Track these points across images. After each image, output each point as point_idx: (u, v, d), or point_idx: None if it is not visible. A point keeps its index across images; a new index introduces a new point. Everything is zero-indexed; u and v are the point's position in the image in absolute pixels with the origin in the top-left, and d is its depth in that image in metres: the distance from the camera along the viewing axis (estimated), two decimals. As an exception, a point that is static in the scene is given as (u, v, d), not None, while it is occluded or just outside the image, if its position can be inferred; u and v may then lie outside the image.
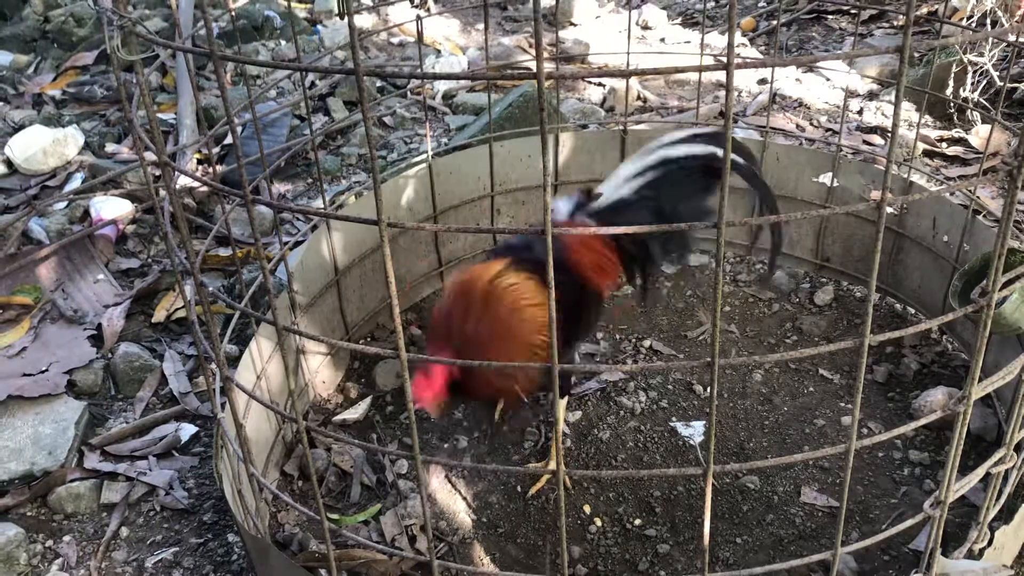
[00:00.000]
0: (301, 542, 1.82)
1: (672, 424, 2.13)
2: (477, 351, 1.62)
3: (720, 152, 1.86)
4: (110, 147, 3.35)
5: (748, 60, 0.89)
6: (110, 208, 2.87)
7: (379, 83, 3.91)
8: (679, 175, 1.90)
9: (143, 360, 2.31)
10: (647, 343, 2.38)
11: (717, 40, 4.35)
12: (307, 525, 1.90)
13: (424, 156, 2.46)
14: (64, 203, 2.98)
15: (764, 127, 2.57)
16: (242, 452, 1.46)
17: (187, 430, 2.14)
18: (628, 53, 2.48)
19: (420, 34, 2.30)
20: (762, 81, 3.87)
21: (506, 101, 3.12)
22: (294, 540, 1.84)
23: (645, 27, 4.67)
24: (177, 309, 2.50)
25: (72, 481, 1.98)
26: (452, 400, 1.69)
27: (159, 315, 2.50)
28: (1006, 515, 1.58)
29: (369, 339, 2.43)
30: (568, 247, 1.82)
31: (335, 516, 1.92)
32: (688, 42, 4.51)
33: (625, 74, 0.90)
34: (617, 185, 1.93)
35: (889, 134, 3.36)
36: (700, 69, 0.93)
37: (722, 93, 3.78)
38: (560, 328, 1.58)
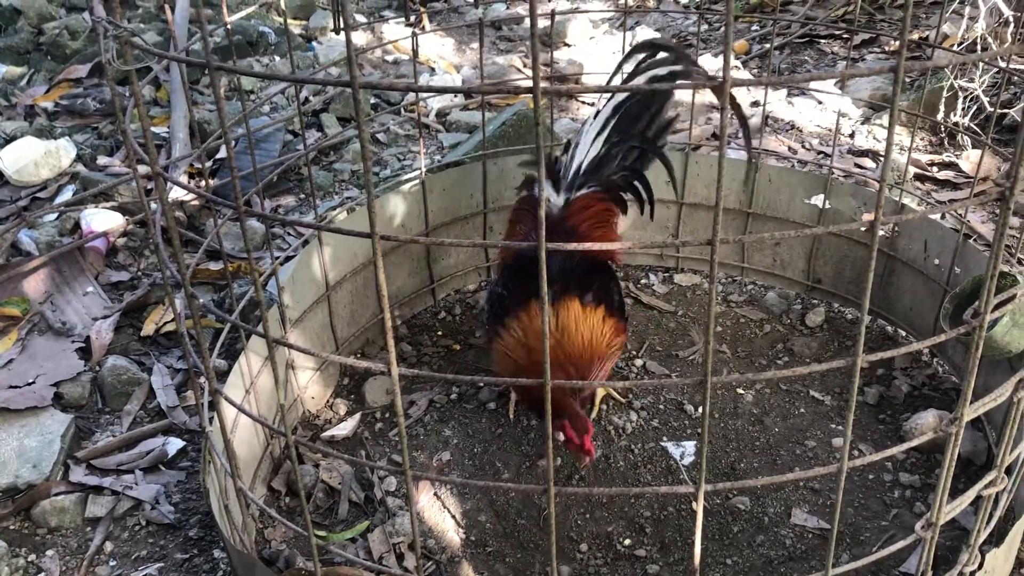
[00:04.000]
0: (288, 559, 1.81)
1: (663, 444, 2.12)
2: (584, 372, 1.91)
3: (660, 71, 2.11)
4: (102, 160, 3.34)
5: (743, 79, 0.89)
6: (101, 221, 2.85)
7: (373, 100, 3.92)
8: (633, 110, 2.16)
9: (131, 373, 2.29)
10: (639, 362, 2.38)
11: (711, 63, 4.37)
12: (294, 542, 1.88)
13: (417, 173, 2.46)
14: (55, 215, 2.96)
15: (756, 149, 2.58)
16: (230, 466, 1.45)
17: (174, 444, 2.12)
18: (622, 73, 2.49)
19: (415, 51, 2.31)
20: (755, 104, 3.89)
21: (500, 119, 3.13)
22: (281, 557, 1.82)
23: (639, 48, 4.69)
24: (166, 322, 2.49)
25: (57, 495, 1.96)
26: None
27: (148, 328, 2.49)
28: (996, 538, 1.57)
29: (359, 355, 2.42)
30: (577, 230, 2.11)
31: (322, 533, 1.91)
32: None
33: (622, 90, 0.90)
34: (586, 148, 2.16)
35: (881, 157, 3.38)
36: (695, 86, 0.93)
37: (715, 115, 3.80)
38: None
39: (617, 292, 2.12)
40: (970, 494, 1.33)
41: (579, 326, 1.93)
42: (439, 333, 2.53)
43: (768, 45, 4.33)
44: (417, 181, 2.45)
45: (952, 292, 2.08)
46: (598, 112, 2.18)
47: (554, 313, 1.93)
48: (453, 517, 1.95)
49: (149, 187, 3.08)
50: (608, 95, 2.19)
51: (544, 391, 1.01)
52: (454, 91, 0.85)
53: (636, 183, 2.27)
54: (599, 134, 2.18)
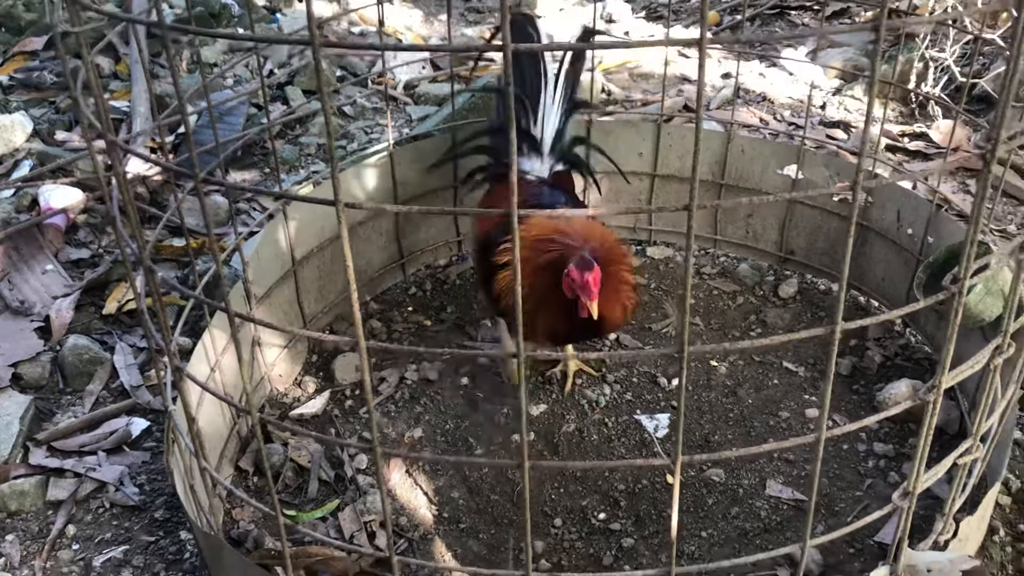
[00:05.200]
0: (256, 539, 1.77)
1: (637, 417, 2.10)
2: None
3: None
4: (60, 135, 3.25)
5: (719, 39, 0.86)
6: (60, 197, 2.77)
7: (339, 72, 3.84)
8: (570, 77, 2.22)
9: (93, 353, 2.23)
10: (612, 335, 2.36)
11: (682, 34, 4.33)
12: (263, 522, 1.84)
13: (385, 146, 2.41)
14: (11, 191, 2.87)
15: (728, 121, 2.55)
16: (194, 446, 1.40)
17: (138, 424, 2.07)
18: (593, 45, 2.45)
19: (381, 21, 2.25)
20: (726, 75, 3.87)
21: (469, 92, 3.08)
22: (249, 537, 1.78)
23: (609, 20, 4.65)
24: (129, 300, 2.42)
25: (16, 478, 1.90)
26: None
27: (110, 306, 2.42)
28: (970, 507, 1.57)
29: (328, 332, 2.38)
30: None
31: (291, 512, 1.87)
32: (652, 36, 4.49)
33: (591, 47, 0.86)
34: (552, 116, 2.20)
35: (853, 128, 3.37)
36: (668, 43, 0.89)
37: (686, 87, 3.77)
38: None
39: None
40: (946, 462, 1.32)
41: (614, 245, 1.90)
42: (410, 309, 2.49)
43: (739, 17, 4.30)
44: (385, 154, 2.40)
45: (926, 262, 2.07)
46: (552, 83, 2.21)
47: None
48: (425, 494, 1.92)
49: (110, 163, 3.00)
50: (556, 65, 2.23)
51: (519, 360, 0.98)
52: (421, 48, 0.81)
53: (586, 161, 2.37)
54: (556, 103, 2.21)
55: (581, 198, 2.39)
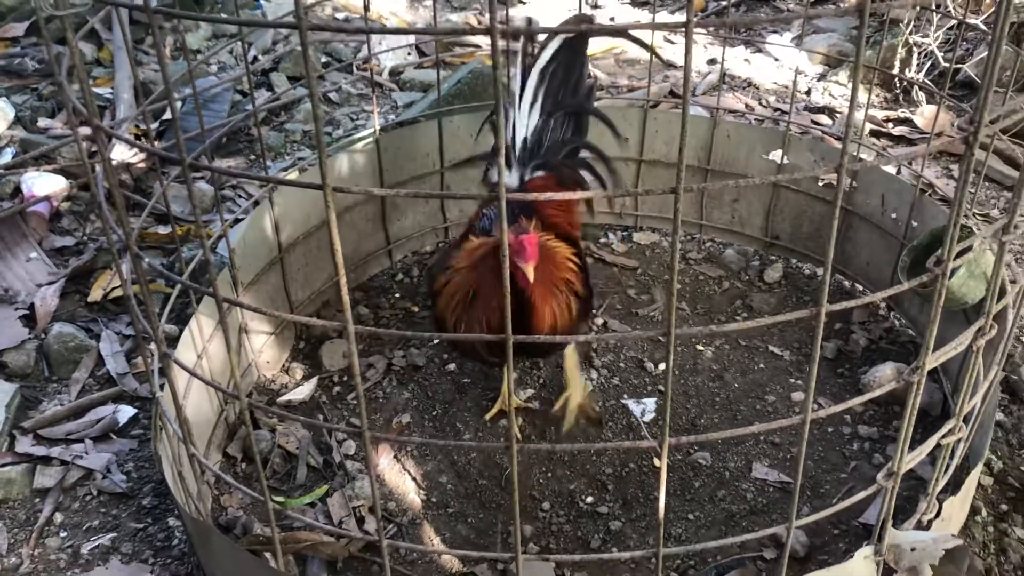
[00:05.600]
0: (245, 525, 1.77)
1: (624, 401, 2.11)
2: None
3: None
4: (43, 122, 3.22)
5: (705, 21, 0.86)
6: (43, 184, 2.75)
7: (324, 58, 3.82)
8: (559, 75, 2.10)
9: (79, 340, 2.22)
10: (599, 320, 2.36)
11: (667, 19, 4.33)
12: (251, 508, 1.84)
13: (371, 132, 2.40)
14: (-6, 179, 2.85)
15: (715, 106, 2.56)
16: (182, 433, 1.40)
17: (125, 412, 2.06)
18: (582, 30, 2.45)
19: (366, 6, 2.24)
20: (712, 61, 3.87)
21: (455, 78, 3.07)
22: (238, 523, 1.78)
23: (595, 6, 4.64)
24: (114, 288, 2.41)
25: (3, 466, 1.90)
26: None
27: (95, 294, 2.41)
28: (953, 487, 1.59)
29: (315, 318, 2.37)
30: (539, 207, 1.97)
31: (280, 498, 1.87)
32: (638, 21, 4.49)
33: (580, 31, 0.86)
34: (524, 120, 2.07)
35: (837, 114, 3.38)
36: (657, 27, 0.90)
37: (671, 72, 3.77)
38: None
39: (585, 269, 1.97)
40: (930, 443, 1.33)
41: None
42: (396, 295, 2.49)
43: (724, 3, 4.30)
44: (371, 140, 2.40)
45: (910, 245, 2.09)
46: (524, 83, 2.08)
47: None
48: (414, 479, 1.93)
49: (94, 150, 2.98)
50: (535, 60, 2.09)
51: (506, 345, 0.99)
52: (407, 32, 0.81)
53: (587, 165, 2.20)
54: (533, 104, 2.08)
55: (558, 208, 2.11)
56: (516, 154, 2.06)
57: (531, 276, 1.64)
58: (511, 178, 2.05)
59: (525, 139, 2.07)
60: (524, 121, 2.07)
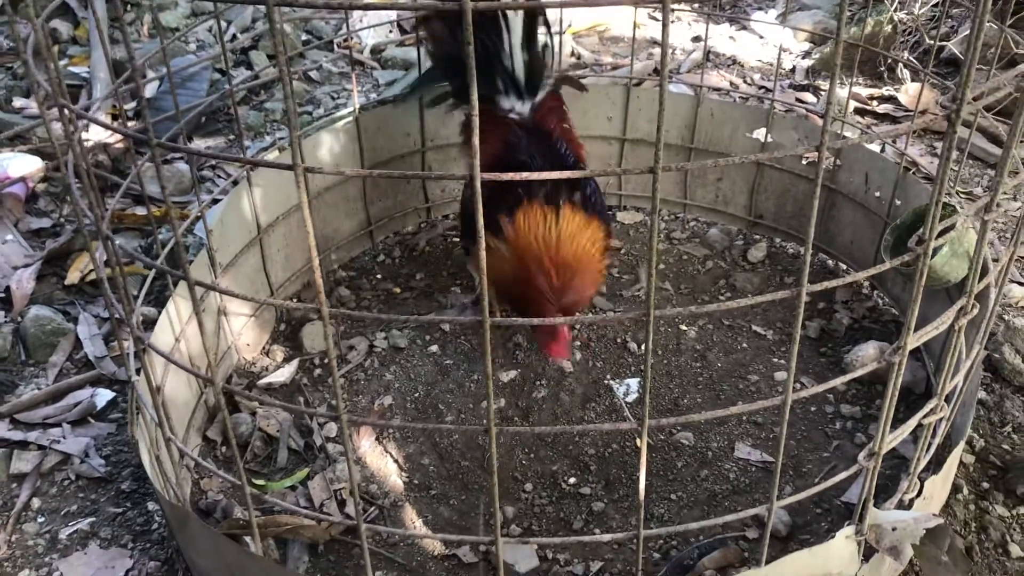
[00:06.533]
0: (225, 509, 1.76)
1: (607, 382, 2.11)
2: (574, 278, 1.91)
3: None
4: (18, 101, 3.17)
5: (685, -6, 0.84)
6: (18, 165, 2.71)
7: (304, 36, 3.77)
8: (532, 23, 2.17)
9: (56, 323, 2.19)
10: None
11: (651, -3, 4.30)
12: (231, 492, 1.83)
13: (351, 111, 2.37)
14: (-32, 160, 2.80)
15: (698, 84, 2.54)
16: (159, 417, 1.39)
17: (103, 396, 2.04)
18: (562, 2, 2.41)
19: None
20: (696, 39, 3.84)
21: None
22: (218, 508, 1.77)
23: (579, -17, 4.60)
24: (91, 270, 2.38)
25: (-21, 451, 1.87)
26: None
27: (72, 276, 2.38)
28: (934, 466, 1.59)
29: (296, 300, 2.35)
30: (552, 131, 2.16)
31: (260, 482, 1.86)
32: (622, -1, 4.45)
33: (560, 4, 0.84)
34: (519, 57, 2.13)
35: (822, 92, 3.37)
36: (634, 3, 0.88)
37: (656, 51, 3.74)
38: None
39: (599, 193, 2.12)
40: (912, 422, 1.33)
41: (573, 231, 1.94)
42: (378, 276, 2.47)
43: (709, -21, 4.27)
44: (351, 119, 2.37)
45: (893, 224, 2.08)
46: (509, 26, 2.15)
47: (549, 215, 1.93)
48: (395, 461, 1.91)
49: (72, 131, 2.93)
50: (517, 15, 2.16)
51: (483, 328, 0.97)
52: (381, 7, 0.79)
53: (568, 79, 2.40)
54: (520, 44, 2.15)
55: (567, 124, 2.28)
56: (523, 86, 2.16)
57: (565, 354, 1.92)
58: (524, 106, 2.16)
59: (523, 74, 2.16)
60: (519, 57, 2.14)
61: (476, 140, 0.88)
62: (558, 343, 1.89)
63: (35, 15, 1.10)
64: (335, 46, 3.68)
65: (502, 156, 2.07)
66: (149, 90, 3.17)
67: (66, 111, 1.15)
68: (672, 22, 3.95)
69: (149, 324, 1.93)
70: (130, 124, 2.10)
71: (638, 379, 2.11)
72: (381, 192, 2.52)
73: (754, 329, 2.26)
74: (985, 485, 1.82)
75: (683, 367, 2.15)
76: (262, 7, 3.88)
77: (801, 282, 1.00)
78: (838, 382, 1.18)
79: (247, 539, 1.64)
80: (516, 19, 2.14)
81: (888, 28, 3.36)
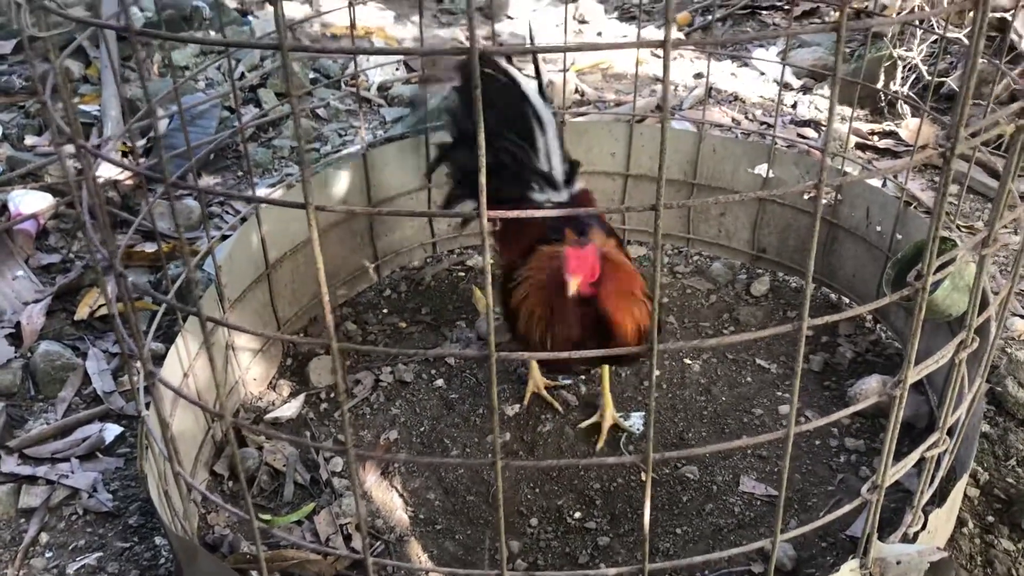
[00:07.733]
0: (232, 544, 1.76)
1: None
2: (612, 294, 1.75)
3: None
4: (30, 139, 3.22)
5: (683, 40, 0.87)
6: (30, 202, 2.75)
7: (312, 74, 3.83)
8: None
9: (65, 359, 2.21)
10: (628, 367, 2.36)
11: (654, 34, 4.36)
12: (238, 526, 1.84)
13: (359, 147, 2.41)
14: (-20, 197, 2.84)
15: (701, 121, 2.57)
16: (168, 451, 1.40)
17: (112, 430, 2.05)
18: (565, 46, 2.46)
19: (353, 23, 2.24)
20: (698, 75, 3.89)
21: (443, 93, 3.07)
22: (225, 542, 1.77)
23: (582, 21, 4.66)
24: (101, 306, 2.41)
25: (-12, 486, 1.89)
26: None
27: (82, 312, 2.40)
28: (939, 499, 1.60)
29: (302, 335, 2.37)
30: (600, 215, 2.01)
31: (267, 516, 1.86)
32: (625, 36, 4.51)
33: (563, 49, 0.87)
34: (556, 147, 2.08)
35: (823, 127, 3.40)
36: (639, 45, 0.90)
37: (659, 87, 3.79)
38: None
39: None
40: (914, 456, 1.34)
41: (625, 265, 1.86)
42: (384, 311, 2.49)
43: (710, 17, 4.33)
44: (359, 156, 2.40)
45: (894, 258, 2.10)
46: (543, 117, 2.09)
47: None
48: (401, 496, 1.92)
49: (79, 167, 2.97)
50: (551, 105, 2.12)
51: (489, 362, 0.99)
52: (390, 52, 0.81)
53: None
54: (553, 132, 2.10)
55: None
56: (561, 177, 2.09)
57: (573, 289, 1.66)
58: (562, 196, 2.08)
59: (559, 164, 2.09)
60: (556, 148, 2.08)
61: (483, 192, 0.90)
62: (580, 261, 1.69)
63: (55, 56, 1.13)
64: (342, 84, 3.74)
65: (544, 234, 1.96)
66: (160, 128, 3.22)
67: (80, 149, 1.18)
68: (674, 59, 4.01)
69: (157, 360, 1.95)
70: (140, 161, 2.14)
71: (643, 413, 2.12)
72: (388, 228, 2.55)
73: (758, 363, 2.27)
74: (990, 519, 1.81)
75: (688, 401, 2.16)
76: (270, 46, 3.94)
77: (802, 316, 1.01)
78: (841, 415, 1.19)
79: (254, 574, 1.65)
80: (547, 112, 2.06)
81: (888, 64, 3.40)
